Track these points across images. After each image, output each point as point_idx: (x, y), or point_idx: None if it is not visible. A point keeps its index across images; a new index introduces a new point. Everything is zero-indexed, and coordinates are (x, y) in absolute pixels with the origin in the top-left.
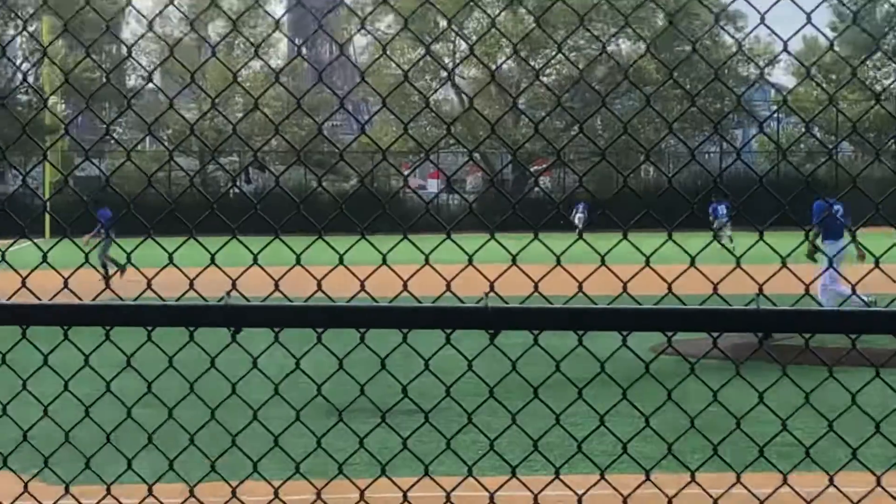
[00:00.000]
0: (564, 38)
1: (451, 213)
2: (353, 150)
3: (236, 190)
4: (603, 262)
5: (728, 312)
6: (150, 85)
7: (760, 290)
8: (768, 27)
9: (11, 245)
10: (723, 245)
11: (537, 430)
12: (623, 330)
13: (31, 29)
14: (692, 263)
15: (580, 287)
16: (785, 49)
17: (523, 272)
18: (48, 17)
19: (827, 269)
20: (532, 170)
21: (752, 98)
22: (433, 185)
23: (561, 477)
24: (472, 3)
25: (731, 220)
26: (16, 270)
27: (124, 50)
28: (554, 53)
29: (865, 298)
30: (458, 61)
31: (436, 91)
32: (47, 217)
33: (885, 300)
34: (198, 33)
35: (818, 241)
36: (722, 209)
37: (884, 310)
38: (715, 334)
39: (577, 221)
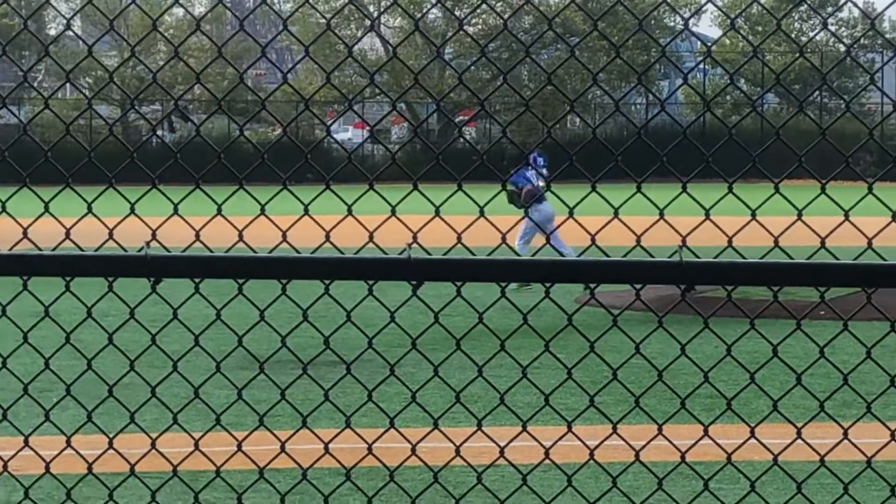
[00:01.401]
0: None
1: (375, 164)
2: (278, 99)
3: (158, 139)
4: (526, 214)
5: (651, 264)
6: (72, 33)
7: (683, 242)
8: None
9: None
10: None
11: (461, 382)
12: (546, 281)
13: None
14: (615, 215)
15: (503, 238)
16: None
17: (446, 223)
18: None
19: (552, 232)
20: (457, 120)
21: (678, 50)
22: (358, 135)
23: (483, 429)
24: None
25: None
26: None
27: None
28: (479, 3)
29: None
30: (382, 10)
31: (359, 40)
32: None
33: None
34: None
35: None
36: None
37: (805, 262)
38: (638, 286)
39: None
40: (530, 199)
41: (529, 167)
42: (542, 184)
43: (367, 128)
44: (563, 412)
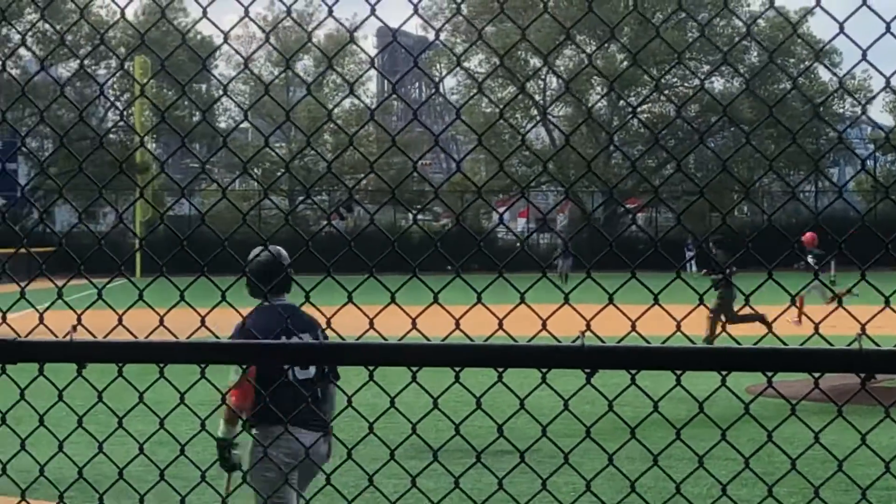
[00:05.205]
0: (661, 75)
1: (540, 253)
2: (443, 189)
3: (328, 228)
4: (701, 302)
5: (830, 353)
6: (238, 125)
7: (863, 329)
8: (870, 63)
9: (109, 282)
10: None
11: (630, 473)
12: (722, 370)
13: (119, 68)
14: (793, 302)
15: (678, 327)
16: (888, 86)
17: (621, 311)
18: (140, 57)
19: None
20: (622, 209)
21: (847, 136)
22: (522, 224)
23: None
24: (565, 41)
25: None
26: (113, 309)
27: (213, 90)
28: (650, 91)
29: None
30: (548, 99)
31: (531, 129)
32: (138, 256)
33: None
34: (293, 71)
35: None
36: None
37: None
38: (816, 375)
39: (689, 259)
40: None
41: None
42: None
43: (534, 216)
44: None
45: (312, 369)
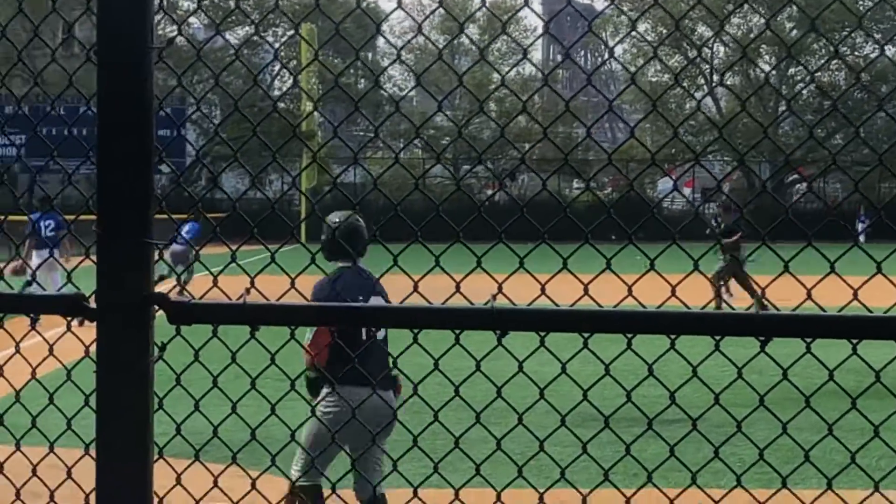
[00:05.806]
0: (840, 41)
1: (706, 222)
2: (603, 158)
3: (493, 196)
4: (879, 270)
5: None
6: (401, 92)
7: None
8: None
9: (281, 247)
10: None
11: (803, 443)
12: None
13: (284, 36)
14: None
15: (855, 295)
16: None
17: (797, 280)
18: (306, 25)
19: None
20: (792, 178)
21: None
22: (687, 194)
23: (834, 489)
24: (738, 8)
25: None
26: (286, 272)
27: (378, 58)
28: (827, 58)
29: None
30: (716, 68)
31: (703, 99)
32: (304, 222)
33: None
34: (468, 36)
35: None
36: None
37: None
38: None
39: (862, 230)
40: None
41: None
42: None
43: (700, 186)
44: None
45: (384, 330)
